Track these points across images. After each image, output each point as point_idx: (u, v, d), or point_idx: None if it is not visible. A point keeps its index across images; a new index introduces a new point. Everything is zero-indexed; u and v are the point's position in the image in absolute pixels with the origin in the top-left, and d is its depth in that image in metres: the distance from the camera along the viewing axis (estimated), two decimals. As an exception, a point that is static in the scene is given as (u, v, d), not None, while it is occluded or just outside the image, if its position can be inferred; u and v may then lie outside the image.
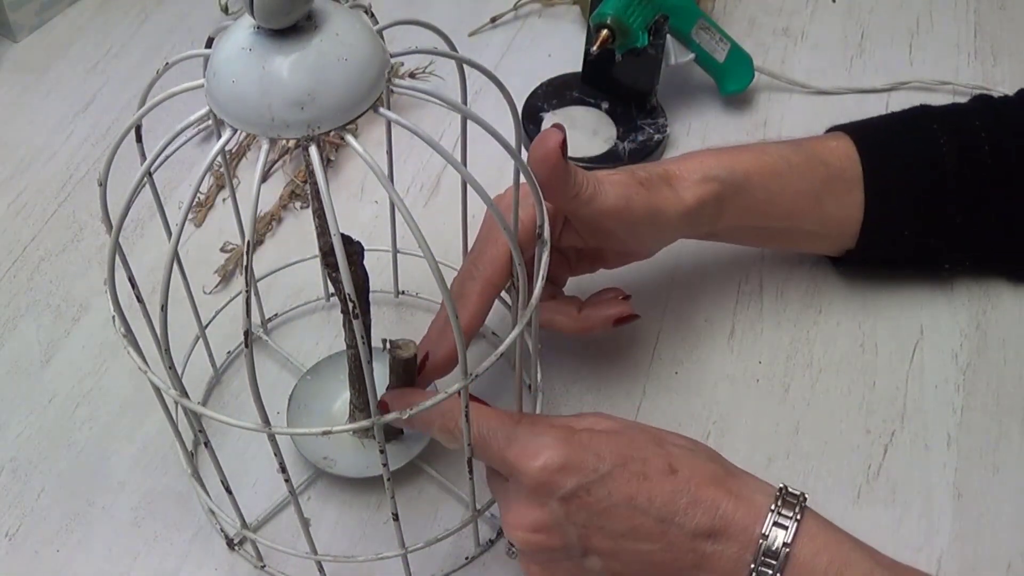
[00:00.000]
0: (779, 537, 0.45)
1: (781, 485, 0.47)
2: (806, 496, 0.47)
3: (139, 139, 0.47)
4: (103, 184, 0.43)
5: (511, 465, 0.47)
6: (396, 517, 0.49)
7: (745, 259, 0.69)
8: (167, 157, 0.42)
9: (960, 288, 0.67)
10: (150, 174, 0.47)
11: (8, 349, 0.66)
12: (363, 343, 0.41)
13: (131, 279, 0.46)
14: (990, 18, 0.87)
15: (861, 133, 0.63)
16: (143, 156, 0.45)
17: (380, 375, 0.59)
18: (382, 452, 0.45)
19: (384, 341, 0.52)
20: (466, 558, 0.56)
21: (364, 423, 0.44)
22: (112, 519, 0.58)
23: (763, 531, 0.45)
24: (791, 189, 0.60)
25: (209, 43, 0.40)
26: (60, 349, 0.66)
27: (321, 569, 0.53)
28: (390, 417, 0.44)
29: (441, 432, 0.50)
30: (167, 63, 0.44)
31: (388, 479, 0.46)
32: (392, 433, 0.58)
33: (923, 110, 0.66)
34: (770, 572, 0.45)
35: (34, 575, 0.56)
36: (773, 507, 0.46)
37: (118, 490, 0.59)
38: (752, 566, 0.45)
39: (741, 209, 0.60)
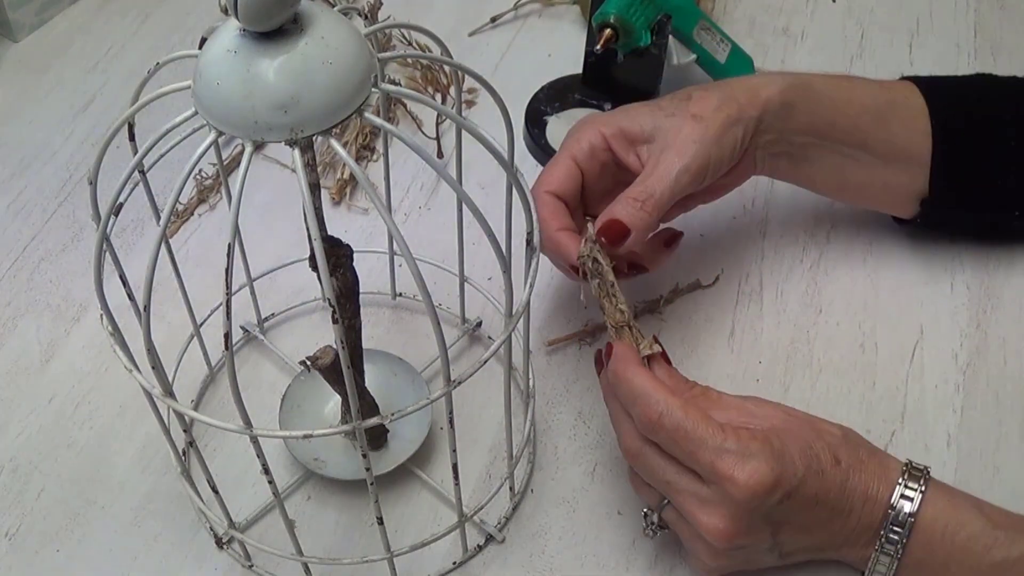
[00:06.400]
0: (905, 507, 0.50)
1: (906, 460, 0.52)
2: (929, 469, 0.51)
3: (132, 138, 0.46)
4: (93, 182, 0.43)
5: (721, 476, 0.48)
6: (380, 521, 0.49)
7: (745, 259, 0.69)
8: (161, 156, 0.42)
9: (960, 288, 0.67)
10: (142, 172, 0.47)
11: (8, 349, 0.66)
12: (343, 348, 0.41)
13: (122, 277, 0.46)
14: (990, 18, 0.87)
15: (924, 81, 0.65)
16: (135, 155, 0.45)
17: (372, 377, 0.59)
18: (364, 457, 0.45)
19: (302, 362, 0.50)
20: (454, 563, 0.56)
21: (346, 427, 0.44)
22: (112, 519, 0.58)
23: (892, 503, 0.50)
24: (855, 100, 0.62)
25: (203, 44, 0.40)
26: (60, 349, 0.65)
27: (307, 571, 0.53)
28: (372, 422, 0.44)
29: (642, 423, 0.50)
30: (158, 63, 0.44)
31: (372, 483, 0.46)
32: (379, 437, 0.58)
33: (989, 77, 0.69)
34: (896, 537, 0.50)
35: (34, 575, 0.56)
36: (900, 480, 0.50)
37: (118, 490, 0.59)
38: (882, 533, 0.50)
39: (808, 113, 0.61)
